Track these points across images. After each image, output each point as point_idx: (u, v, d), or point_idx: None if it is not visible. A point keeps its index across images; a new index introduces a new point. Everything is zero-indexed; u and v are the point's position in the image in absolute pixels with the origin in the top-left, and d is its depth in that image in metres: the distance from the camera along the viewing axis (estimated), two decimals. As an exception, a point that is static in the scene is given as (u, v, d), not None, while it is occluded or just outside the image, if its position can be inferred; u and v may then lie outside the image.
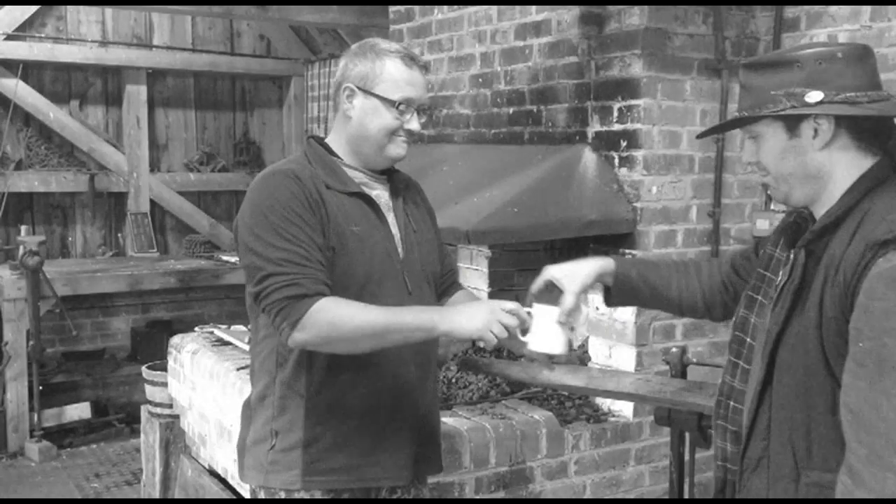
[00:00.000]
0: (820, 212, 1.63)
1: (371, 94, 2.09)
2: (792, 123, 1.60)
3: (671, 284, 2.07)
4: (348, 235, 2.04)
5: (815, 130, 1.59)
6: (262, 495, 2.11)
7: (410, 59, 2.12)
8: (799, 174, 1.62)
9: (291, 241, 1.95)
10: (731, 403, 1.76)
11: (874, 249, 1.45)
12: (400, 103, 2.08)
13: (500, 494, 3.17)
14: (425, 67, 2.17)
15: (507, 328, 1.89)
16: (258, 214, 1.99)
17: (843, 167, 1.60)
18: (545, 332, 1.99)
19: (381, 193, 2.19)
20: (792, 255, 1.63)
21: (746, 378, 1.73)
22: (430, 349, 2.24)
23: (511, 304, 1.93)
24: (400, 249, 2.16)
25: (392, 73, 2.09)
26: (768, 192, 1.75)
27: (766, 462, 1.60)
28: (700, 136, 1.90)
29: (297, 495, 2.07)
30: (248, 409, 2.17)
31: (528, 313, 1.98)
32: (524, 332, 1.99)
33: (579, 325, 1.98)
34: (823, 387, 1.53)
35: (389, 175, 2.24)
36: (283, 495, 2.07)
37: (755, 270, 1.81)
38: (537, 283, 2.03)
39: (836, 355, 1.50)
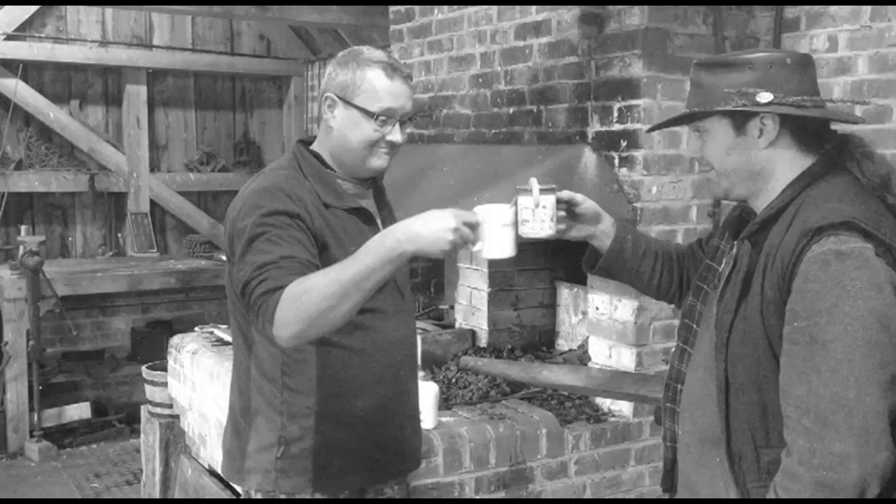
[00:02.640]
0: (760, 205, 1.73)
1: (351, 105, 2.06)
2: (740, 122, 1.69)
3: (654, 269, 2.07)
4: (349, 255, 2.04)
5: (761, 130, 1.69)
6: (258, 497, 2.13)
7: (392, 70, 2.08)
8: (743, 170, 1.71)
9: (275, 243, 1.90)
10: (679, 387, 1.85)
11: (808, 235, 1.55)
12: (380, 115, 2.05)
13: (500, 494, 3.17)
14: (409, 77, 2.13)
15: (464, 239, 1.82)
16: (252, 225, 1.94)
17: (783, 165, 1.70)
18: (493, 238, 1.91)
19: (369, 202, 2.20)
20: (735, 246, 1.72)
21: (689, 363, 1.83)
22: (414, 351, 2.30)
23: (465, 214, 1.83)
24: None
25: (373, 84, 2.05)
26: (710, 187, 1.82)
27: (727, 442, 1.67)
28: (650, 130, 2.01)
29: (297, 496, 2.09)
30: (245, 416, 2.16)
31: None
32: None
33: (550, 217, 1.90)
34: (771, 369, 1.61)
35: (374, 181, 2.26)
36: (283, 498, 2.09)
37: (703, 261, 1.90)
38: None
39: (777, 338, 1.59)
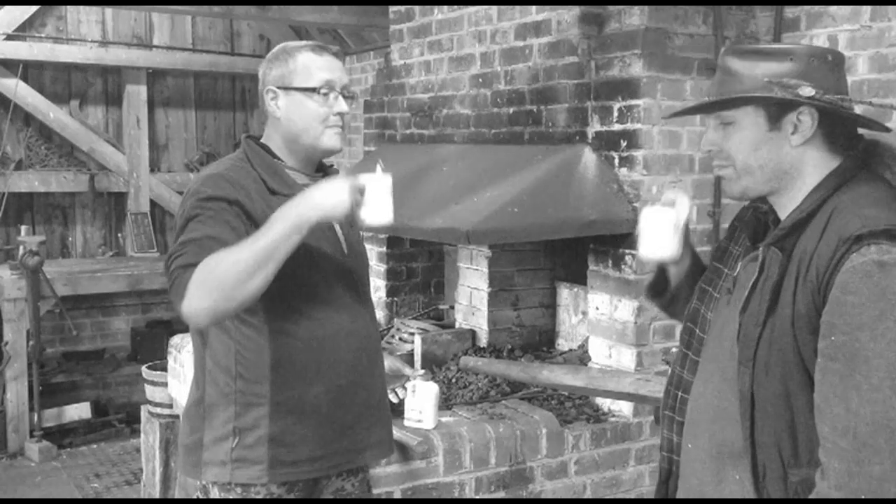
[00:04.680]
0: (784, 206, 1.64)
1: (291, 89, 2.15)
2: (775, 115, 1.59)
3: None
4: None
5: (795, 126, 1.59)
6: (215, 491, 2.13)
7: (320, 48, 2.18)
8: (770, 167, 1.61)
9: (204, 224, 1.98)
10: (680, 394, 1.77)
11: (847, 244, 1.45)
12: (320, 87, 2.13)
13: (500, 494, 3.17)
14: (338, 54, 2.21)
15: (357, 201, 1.96)
16: (188, 208, 2.02)
17: (812, 166, 1.60)
18: (378, 203, 2.03)
19: None
20: (761, 252, 1.61)
21: (695, 369, 1.75)
22: (378, 337, 2.32)
23: (353, 180, 1.98)
24: (343, 245, 2.22)
25: (305, 64, 2.15)
26: (721, 182, 1.71)
27: (752, 458, 1.58)
28: (671, 116, 1.84)
29: (253, 490, 2.10)
30: (199, 408, 2.17)
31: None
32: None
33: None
34: (801, 385, 1.52)
35: (325, 172, 2.30)
36: (239, 491, 2.10)
37: (710, 263, 1.82)
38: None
39: (810, 352, 1.50)
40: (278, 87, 2.16)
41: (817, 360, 1.48)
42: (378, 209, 2.03)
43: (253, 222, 2.02)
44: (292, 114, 2.15)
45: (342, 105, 2.15)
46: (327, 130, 2.15)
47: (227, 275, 1.85)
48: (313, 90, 2.13)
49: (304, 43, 2.20)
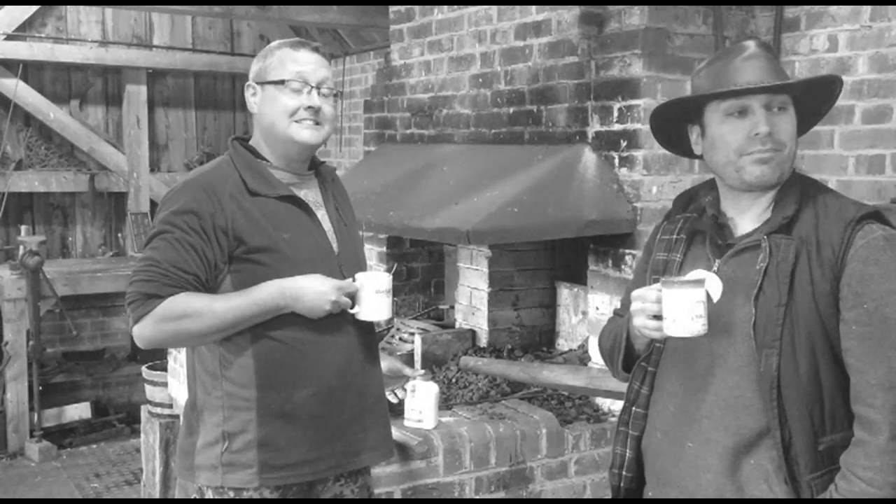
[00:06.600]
0: (759, 201, 1.75)
1: (266, 84, 2.16)
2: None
3: None
4: (279, 243, 2.08)
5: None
6: (209, 494, 2.13)
7: (298, 44, 2.19)
8: (795, 154, 1.77)
9: (172, 246, 2.01)
10: (634, 409, 1.86)
11: (852, 226, 1.65)
12: (291, 80, 2.13)
13: (500, 494, 3.17)
14: (317, 49, 2.20)
15: (341, 307, 2.08)
16: (159, 222, 2.07)
17: None
18: (370, 302, 2.10)
19: (308, 192, 2.22)
20: (766, 241, 1.70)
21: (652, 382, 1.84)
22: (373, 339, 2.29)
23: (345, 284, 2.09)
24: (334, 245, 2.20)
25: (280, 58, 2.16)
26: (759, 168, 1.71)
27: (780, 437, 1.64)
28: (749, 92, 1.71)
29: (245, 494, 2.09)
30: (194, 412, 2.17)
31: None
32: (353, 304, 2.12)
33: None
34: (827, 357, 1.65)
35: (317, 169, 2.28)
36: (231, 495, 2.09)
37: (650, 279, 1.86)
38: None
39: (833, 322, 1.65)
40: (256, 83, 2.19)
41: (851, 328, 1.62)
42: (372, 309, 2.11)
43: (223, 232, 2.04)
44: (265, 107, 2.16)
45: (314, 99, 2.13)
46: (294, 124, 2.13)
47: (190, 330, 2.01)
48: (282, 82, 2.13)
49: (284, 41, 2.21)
